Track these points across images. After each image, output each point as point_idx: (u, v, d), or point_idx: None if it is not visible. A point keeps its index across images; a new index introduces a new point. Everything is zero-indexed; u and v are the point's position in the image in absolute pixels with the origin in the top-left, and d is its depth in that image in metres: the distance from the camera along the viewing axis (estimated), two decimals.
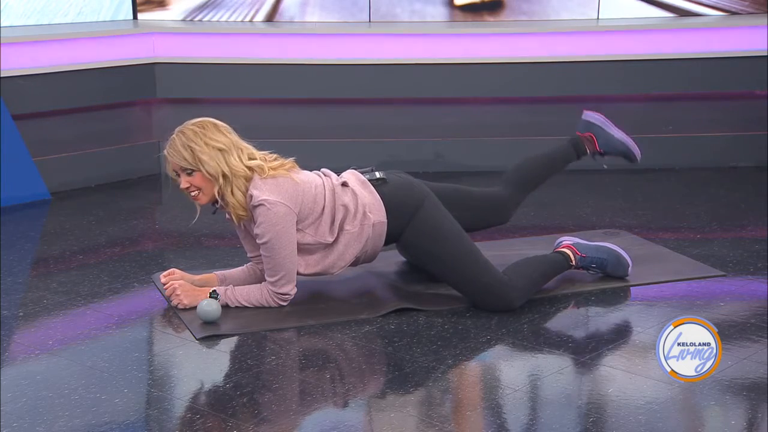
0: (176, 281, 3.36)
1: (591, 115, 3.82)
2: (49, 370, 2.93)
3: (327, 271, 3.38)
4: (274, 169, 3.27)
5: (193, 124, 3.28)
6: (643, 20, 5.66)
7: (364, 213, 3.33)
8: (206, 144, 3.23)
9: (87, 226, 4.42)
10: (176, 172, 3.29)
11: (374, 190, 3.38)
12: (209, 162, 3.22)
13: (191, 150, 3.23)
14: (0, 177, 4.67)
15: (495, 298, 3.32)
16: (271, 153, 3.34)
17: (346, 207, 3.32)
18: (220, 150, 3.23)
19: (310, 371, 2.96)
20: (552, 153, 3.83)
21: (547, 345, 3.10)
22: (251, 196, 3.23)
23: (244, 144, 3.31)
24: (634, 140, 3.82)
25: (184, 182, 3.29)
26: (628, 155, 3.81)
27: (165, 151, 3.29)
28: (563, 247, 3.59)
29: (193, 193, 3.30)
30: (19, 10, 5.31)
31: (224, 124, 3.32)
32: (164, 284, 3.40)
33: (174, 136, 3.28)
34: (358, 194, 3.35)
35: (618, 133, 3.80)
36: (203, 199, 3.30)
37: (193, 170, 3.25)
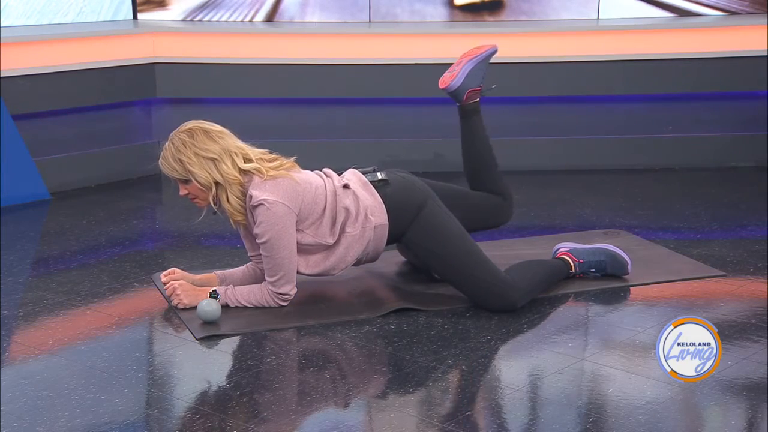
0: (176, 281, 3.36)
1: None
2: (49, 370, 2.93)
3: (328, 272, 3.38)
4: (273, 169, 3.26)
5: (183, 132, 3.26)
6: (643, 20, 5.65)
7: (366, 216, 3.33)
8: (196, 154, 3.21)
9: (87, 226, 4.42)
10: (173, 179, 3.30)
11: (376, 192, 3.37)
12: (199, 173, 3.21)
13: (181, 162, 3.22)
14: (0, 177, 4.67)
15: (497, 298, 3.32)
16: (270, 152, 3.34)
17: (347, 209, 3.32)
18: (211, 159, 3.22)
19: (310, 371, 2.96)
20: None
21: (547, 345, 3.10)
22: (251, 196, 3.23)
23: (239, 146, 3.28)
24: None
25: (181, 190, 3.30)
26: None
27: (159, 161, 3.28)
28: (561, 255, 3.59)
29: (191, 200, 3.31)
30: (19, 10, 5.30)
31: (217, 128, 3.29)
32: (164, 284, 3.40)
33: (165, 145, 3.27)
34: (360, 196, 3.34)
35: None
36: (202, 203, 3.31)
37: (187, 180, 3.25)
